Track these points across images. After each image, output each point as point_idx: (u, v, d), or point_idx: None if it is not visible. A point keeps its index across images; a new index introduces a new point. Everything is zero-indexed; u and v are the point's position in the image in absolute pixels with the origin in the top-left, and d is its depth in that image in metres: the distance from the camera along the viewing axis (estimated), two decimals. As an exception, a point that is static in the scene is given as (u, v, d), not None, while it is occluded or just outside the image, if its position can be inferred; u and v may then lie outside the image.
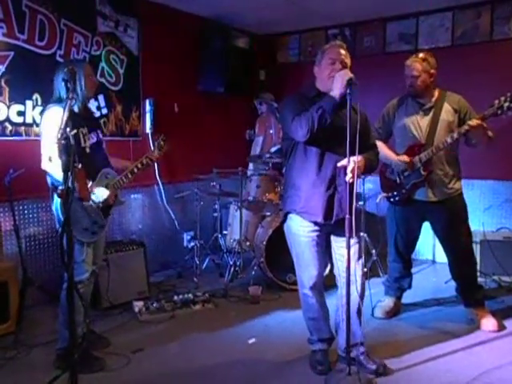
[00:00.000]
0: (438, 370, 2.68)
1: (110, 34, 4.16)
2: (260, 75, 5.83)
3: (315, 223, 2.57)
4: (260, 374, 2.70)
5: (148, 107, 4.51)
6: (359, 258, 2.59)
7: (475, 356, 2.85)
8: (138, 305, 3.52)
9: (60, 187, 1.87)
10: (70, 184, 1.86)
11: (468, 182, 4.14)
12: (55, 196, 2.65)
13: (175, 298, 3.64)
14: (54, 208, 2.70)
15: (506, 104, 2.86)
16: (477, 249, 3.97)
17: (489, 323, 3.18)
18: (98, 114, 4.07)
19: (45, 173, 2.68)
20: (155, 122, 4.53)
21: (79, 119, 2.70)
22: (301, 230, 2.60)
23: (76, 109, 2.70)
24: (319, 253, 2.63)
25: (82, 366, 2.19)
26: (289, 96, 2.69)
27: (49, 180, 2.68)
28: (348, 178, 2.41)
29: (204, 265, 4.52)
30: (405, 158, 3.14)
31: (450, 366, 2.73)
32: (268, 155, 4.56)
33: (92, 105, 3.93)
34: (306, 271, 2.64)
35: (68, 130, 1.88)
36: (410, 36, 4.92)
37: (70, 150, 1.89)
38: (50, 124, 2.56)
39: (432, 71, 3.12)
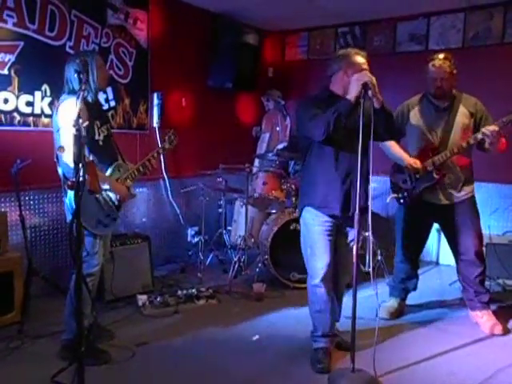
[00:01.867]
0: (441, 373, 2.68)
1: (119, 26, 4.15)
2: (268, 72, 5.82)
3: (332, 216, 2.65)
4: (263, 371, 2.70)
5: (156, 101, 4.49)
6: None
7: (479, 359, 2.84)
8: (142, 298, 3.52)
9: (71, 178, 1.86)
10: (80, 176, 1.86)
11: (475, 185, 4.12)
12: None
13: (179, 292, 3.65)
14: (66, 200, 2.66)
15: None
16: (482, 252, 3.96)
17: (493, 327, 3.17)
18: (106, 107, 4.06)
19: (55, 164, 2.66)
20: (163, 116, 4.51)
21: (93, 111, 2.69)
22: (316, 220, 2.69)
23: (90, 99, 2.69)
24: (331, 243, 2.70)
25: (88, 358, 2.18)
26: (304, 99, 2.85)
27: (60, 171, 2.66)
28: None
29: (208, 260, 4.50)
30: (417, 162, 3.13)
31: (453, 368, 2.72)
32: (274, 152, 4.54)
33: (100, 97, 3.92)
34: (320, 260, 2.69)
35: (80, 121, 1.88)
36: (420, 36, 4.89)
37: (81, 141, 1.88)
38: (68, 116, 2.51)
39: (455, 72, 3.09)
